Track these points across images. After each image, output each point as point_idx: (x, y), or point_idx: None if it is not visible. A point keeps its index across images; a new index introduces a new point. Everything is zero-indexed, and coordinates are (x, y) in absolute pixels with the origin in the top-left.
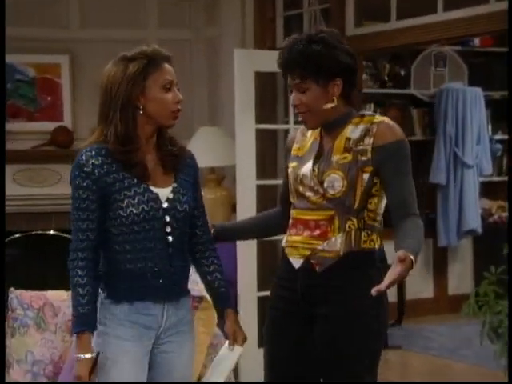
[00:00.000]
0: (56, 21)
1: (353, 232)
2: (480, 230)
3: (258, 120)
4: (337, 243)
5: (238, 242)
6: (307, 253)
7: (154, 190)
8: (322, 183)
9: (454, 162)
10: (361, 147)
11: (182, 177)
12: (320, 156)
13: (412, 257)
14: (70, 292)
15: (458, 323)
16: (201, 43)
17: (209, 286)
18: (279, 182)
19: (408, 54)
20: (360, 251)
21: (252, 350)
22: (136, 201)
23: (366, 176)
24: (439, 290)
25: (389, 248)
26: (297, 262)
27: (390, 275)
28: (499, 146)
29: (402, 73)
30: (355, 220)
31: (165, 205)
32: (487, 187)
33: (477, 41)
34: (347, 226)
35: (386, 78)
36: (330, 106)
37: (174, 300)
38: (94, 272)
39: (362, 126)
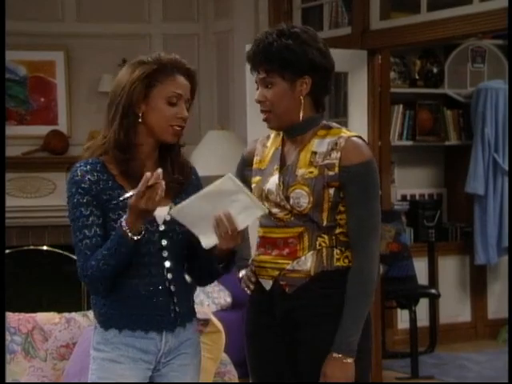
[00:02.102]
0: (50, 13)
1: (324, 250)
2: None
3: None
4: (307, 262)
5: None
6: (276, 273)
7: None
8: (287, 198)
9: (494, 169)
10: (327, 161)
11: (183, 196)
12: (283, 167)
13: (349, 360)
14: (61, 315)
15: (497, 350)
16: (210, 38)
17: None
18: None
19: (441, 49)
20: (334, 270)
21: None
22: None
23: (331, 191)
24: (477, 313)
25: (420, 265)
26: (266, 284)
27: None
28: None
29: (435, 70)
30: (326, 237)
31: (162, 227)
32: None
33: None
34: (318, 243)
35: (417, 76)
36: (298, 106)
37: (172, 329)
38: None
39: (328, 140)
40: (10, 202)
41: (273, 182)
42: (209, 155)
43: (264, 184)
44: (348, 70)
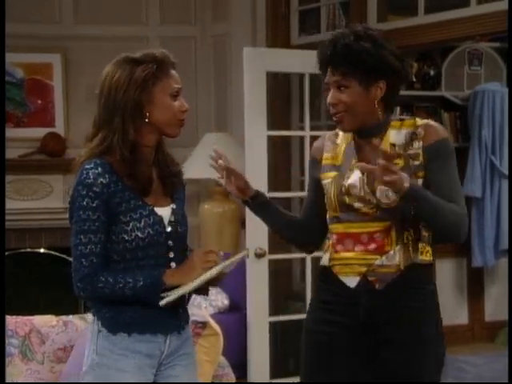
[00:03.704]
0: (47, 16)
1: (410, 243)
2: None
3: (270, 126)
4: (396, 256)
5: (248, 262)
6: (363, 269)
7: (158, 211)
8: (373, 192)
9: (491, 171)
10: (412, 151)
11: (177, 196)
12: (364, 163)
13: (407, 185)
14: (58, 317)
15: (495, 353)
16: (207, 41)
17: None
18: (293, 194)
19: (438, 51)
20: (420, 264)
21: (264, 380)
22: (142, 224)
23: (420, 181)
24: (474, 315)
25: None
26: (352, 281)
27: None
28: None
29: (432, 73)
30: (412, 230)
31: (168, 229)
32: None
33: None
34: (405, 237)
35: (414, 79)
36: (374, 108)
37: (178, 330)
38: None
39: (404, 131)
40: (7, 204)
41: (355, 176)
42: (206, 157)
43: (343, 179)
44: None
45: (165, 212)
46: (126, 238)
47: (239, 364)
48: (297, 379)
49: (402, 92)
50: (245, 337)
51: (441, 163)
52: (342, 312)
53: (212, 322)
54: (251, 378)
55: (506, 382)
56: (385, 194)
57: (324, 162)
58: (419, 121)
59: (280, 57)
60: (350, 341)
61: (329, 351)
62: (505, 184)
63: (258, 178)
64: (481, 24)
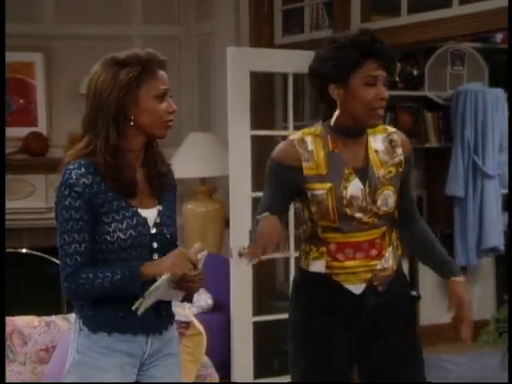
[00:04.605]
0: (29, 15)
1: (395, 243)
2: (502, 248)
3: (254, 126)
4: (389, 258)
5: (232, 262)
6: (368, 276)
7: (143, 213)
8: (374, 202)
9: (473, 171)
10: (397, 159)
11: (166, 197)
12: (358, 172)
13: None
14: (40, 318)
15: (478, 352)
16: (191, 40)
17: None
18: None
19: (421, 51)
20: (400, 259)
21: (247, 380)
22: (124, 225)
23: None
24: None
25: None
26: (357, 288)
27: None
28: None
29: (415, 73)
30: (396, 230)
31: (153, 230)
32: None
33: (499, 37)
34: (393, 237)
35: (397, 79)
36: None
37: (160, 331)
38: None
39: (379, 136)
40: None
41: (355, 187)
42: (190, 157)
43: (340, 190)
44: None
45: (150, 213)
46: (109, 239)
47: (223, 364)
48: (281, 379)
49: None
50: (228, 337)
51: (410, 174)
52: (344, 312)
53: (195, 322)
54: (235, 378)
55: (506, 382)
56: (385, 202)
57: (307, 171)
58: (388, 128)
59: (263, 56)
60: (352, 336)
61: (330, 351)
62: (487, 184)
63: (242, 178)
64: (463, 24)
